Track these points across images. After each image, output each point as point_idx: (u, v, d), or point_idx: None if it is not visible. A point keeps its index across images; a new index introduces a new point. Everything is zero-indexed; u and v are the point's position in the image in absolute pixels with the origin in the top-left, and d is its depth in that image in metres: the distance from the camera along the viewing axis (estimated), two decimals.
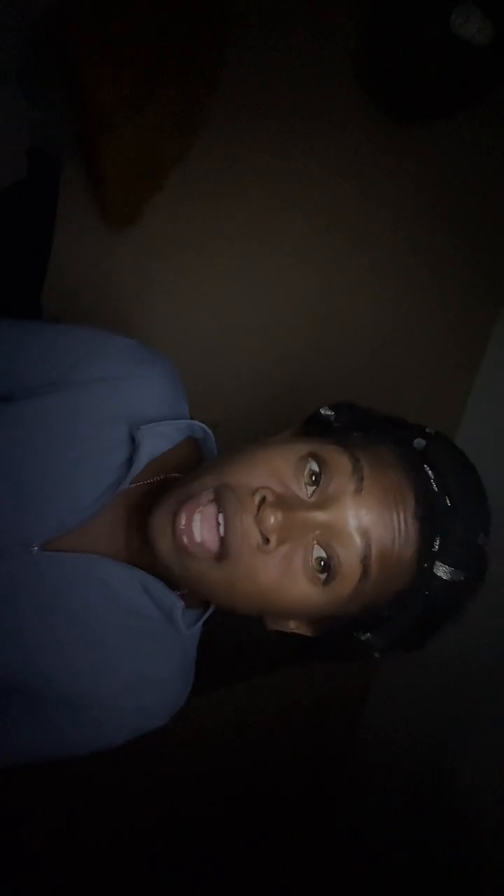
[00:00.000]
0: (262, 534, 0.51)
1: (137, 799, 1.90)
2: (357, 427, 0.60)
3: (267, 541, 0.51)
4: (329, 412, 0.63)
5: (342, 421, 0.62)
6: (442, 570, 0.53)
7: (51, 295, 1.34)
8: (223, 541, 0.52)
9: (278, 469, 0.54)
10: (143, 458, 0.61)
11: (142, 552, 0.61)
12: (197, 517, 0.52)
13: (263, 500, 0.51)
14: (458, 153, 1.76)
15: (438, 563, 0.53)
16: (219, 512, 0.52)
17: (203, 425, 0.66)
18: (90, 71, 1.18)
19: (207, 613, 0.65)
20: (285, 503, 0.52)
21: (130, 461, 0.61)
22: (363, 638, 0.57)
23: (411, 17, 1.48)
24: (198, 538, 0.52)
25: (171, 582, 0.61)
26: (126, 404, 0.64)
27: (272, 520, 0.50)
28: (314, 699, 2.11)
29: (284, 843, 2.11)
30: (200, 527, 0.52)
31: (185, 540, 0.52)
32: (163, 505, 0.55)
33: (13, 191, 1.26)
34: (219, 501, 0.52)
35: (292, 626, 0.60)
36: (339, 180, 1.65)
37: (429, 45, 1.48)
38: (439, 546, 0.53)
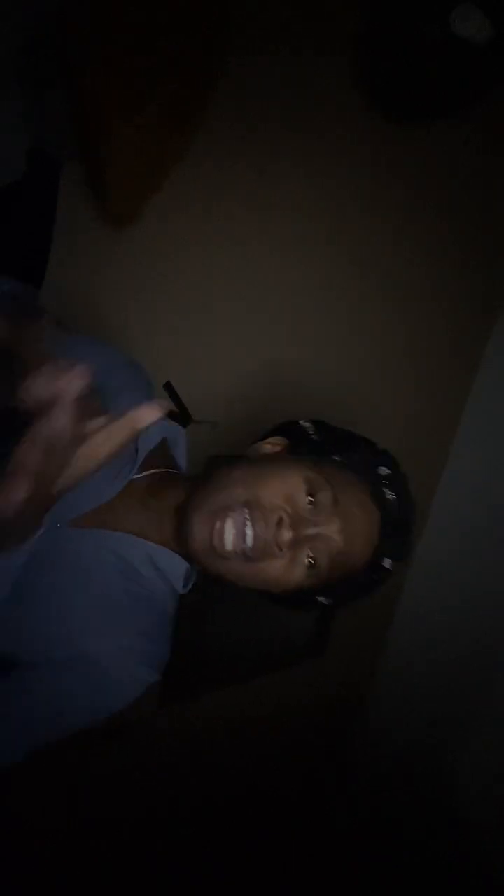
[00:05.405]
0: (277, 544, 0.70)
1: (136, 799, 1.90)
2: (332, 448, 0.79)
3: (280, 549, 0.70)
4: (307, 425, 0.82)
5: (318, 437, 0.81)
6: (387, 563, 0.78)
7: (50, 295, 1.34)
8: (250, 548, 0.70)
9: (290, 492, 0.72)
10: (142, 452, 0.78)
11: (149, 528, 0.78)
12: (229, 526, 0.70)
13: (281, 519, 0.70)
14: (458, 153, 1.76)
15: (386, 559, 0.77)
16: (246, 521, 0.70)
17: (179, 427, 0.85)
18: (90, 71, 1.18)
19: (193, 579, 0.81)
20: (294, 522, 0.71)
21: (135, 454, 0.78)
22: (320, 599, 0.80)
23: (411, 17, 1.48)
24: (228, 546, 0.70)
25: (177, 551, 0.77)
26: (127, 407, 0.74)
27: (286, 536, 0.70)
28: (314, 700, 2.11)
29: (284, 842, 2.11)
30: (232, 536, 0.70)
31: (219, 547, 0.70)
32: (200, 510, 0.71)
33: (13, 191, 1.26)
34: (250, 513, 0.70)
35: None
36: (338, 180, 1.65)
37: (429, 45, 1.47)
38: (389, 547, 0.77)
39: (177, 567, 0.78)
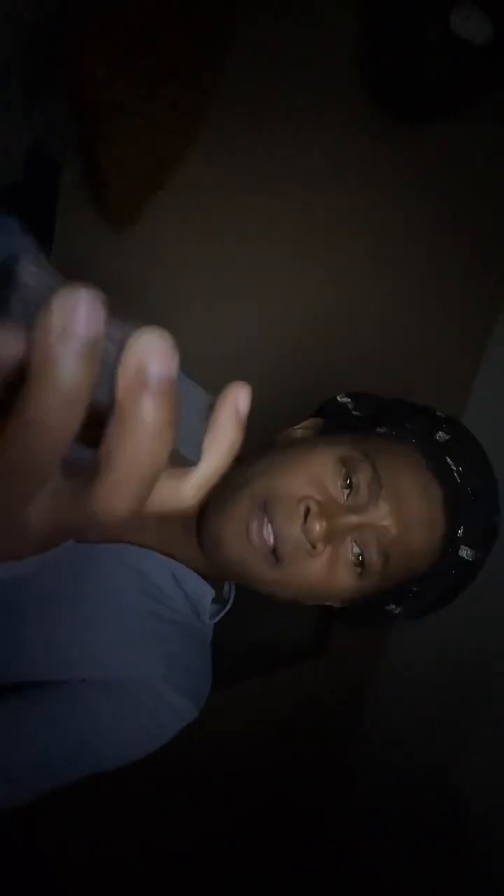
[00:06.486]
0: (309, 541, 0.57)
1: (132, 800, 1.90)
2: (378, 420, 0.64)
3: (314, 546, 0.57)
4: (346, 399, 0.68)
5: (361, 411, 0.67)
6: (465, 553, 0.61)
7: None
8: (276, 549, 0.57)
9: (317, 476, 0.59)
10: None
11: (170, 542, 0.65)
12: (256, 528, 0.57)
13: (308, 510, 0.56)
14: (458, 153, 1.76)
15: (463, 547, 0.61)
16: (267, 522, 0.57)
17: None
18: (90, 71, 1.17)
19: (227, 608, 0.70)
20: (326, 511, 0.57)
21: None
22: (390, 609, 0.65)
23: (411, 17, 1.48)
24: (270, 541, 0.57)
25: (202, 573, 0.65)
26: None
27: (317, 528, 0.56)
28: (313, 701, 2.10)
29: (281, 843, 2.10)
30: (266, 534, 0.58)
31: (257, 541, 0.57)
32: (220, 517, 0.59)
33: (12, 192, 1.26)
34: (268, 512, 0.57)
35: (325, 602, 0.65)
36: (340, 180, 1.65)
37: (429, 45, 1.47)
38: (463, 532, 0.60)
39: (202, 592, 0.65)
